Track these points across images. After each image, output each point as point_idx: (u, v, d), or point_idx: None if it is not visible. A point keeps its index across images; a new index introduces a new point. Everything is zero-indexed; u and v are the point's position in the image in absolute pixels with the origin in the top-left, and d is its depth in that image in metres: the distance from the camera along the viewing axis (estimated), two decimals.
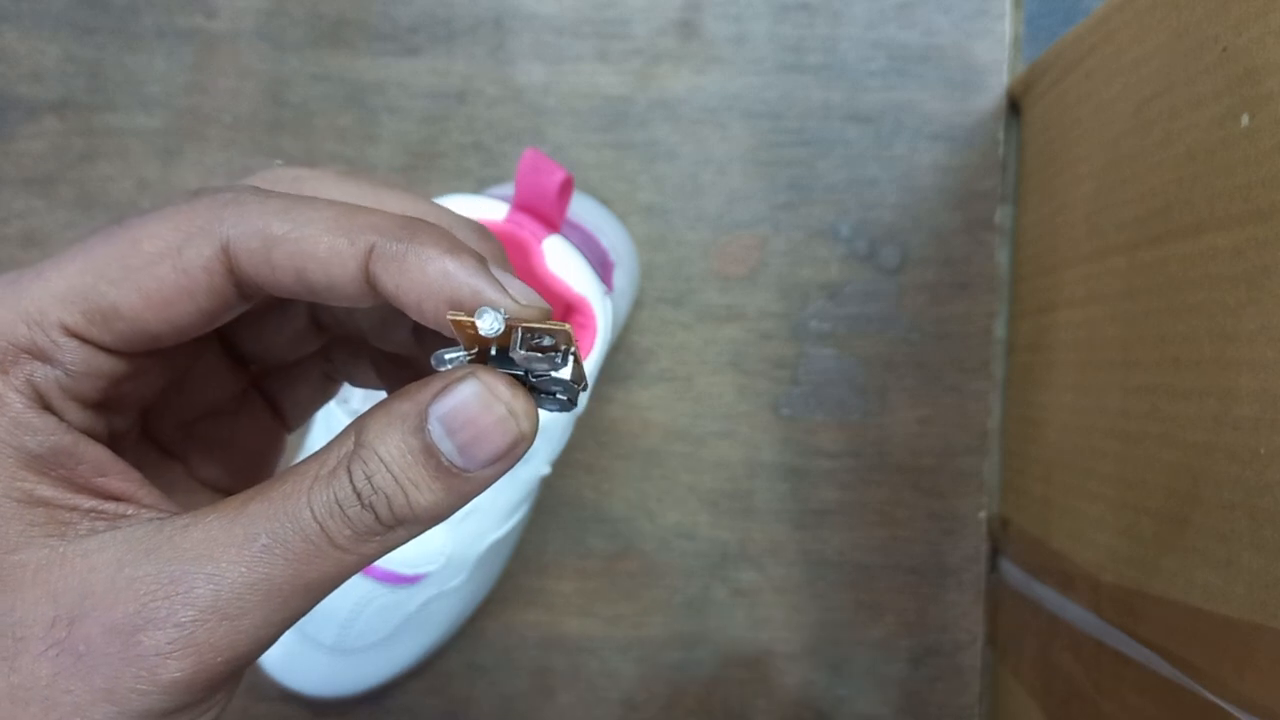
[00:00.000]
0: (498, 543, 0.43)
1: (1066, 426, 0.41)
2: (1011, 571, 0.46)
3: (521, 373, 0.20)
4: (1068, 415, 0.40)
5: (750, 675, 0.48)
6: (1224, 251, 0.29)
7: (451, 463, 0.19)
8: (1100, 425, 0.37)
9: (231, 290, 0.20)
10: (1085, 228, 0.39)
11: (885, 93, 0.48)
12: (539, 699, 0.48)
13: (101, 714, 0.18)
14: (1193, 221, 0.31)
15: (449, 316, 0.19)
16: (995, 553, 0.48)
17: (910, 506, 0.48)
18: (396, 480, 0.19)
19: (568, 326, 0.19)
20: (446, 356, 0.20)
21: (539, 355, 0.19)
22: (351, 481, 0.19)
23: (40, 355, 0.19)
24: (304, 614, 0.20)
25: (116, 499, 0.20)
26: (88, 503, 0.19)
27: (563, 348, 0.20)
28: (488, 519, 0.42)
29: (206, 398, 0.25)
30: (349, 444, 0.20)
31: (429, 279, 0.19)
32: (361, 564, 0.20)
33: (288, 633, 0.21)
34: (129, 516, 0.20)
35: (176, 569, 0.19)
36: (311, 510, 0.19)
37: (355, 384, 0.27)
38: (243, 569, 0.19)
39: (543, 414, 0.21)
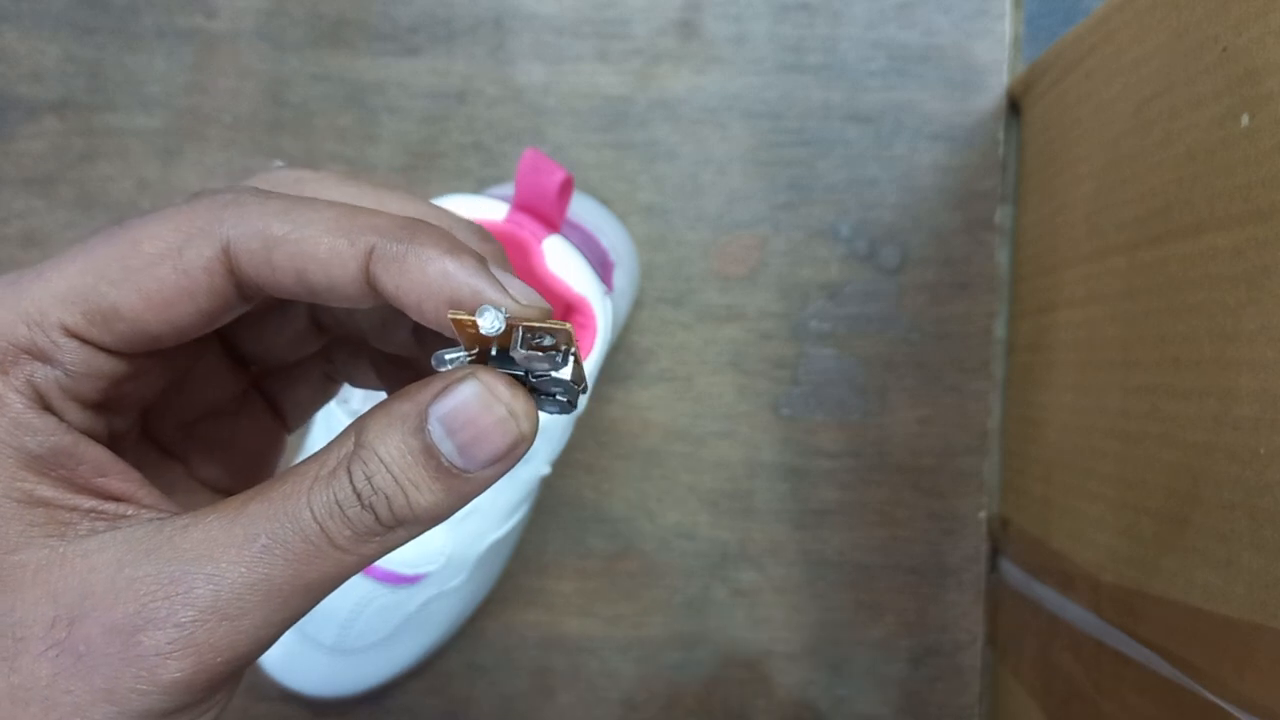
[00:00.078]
0: (498, 543, 0.43)
1: (1066, 426, 0.41)
2: (1011, 571, 0.46)
3: (522, 373, 0.20)
4: (1068, 415, 0.40)
5: (750, 675, 0.48)
6: (1224, 251, 0.29)
7: (451, 463, 0.19)
8: (1100, 425, 0.37)
9: (232, 291, 0.20)
10: (1085, 228, 0.39)
11: (885, 93, 0.48)
12: (539, 699, 0.48)
13: (101, 714, 0.18)
14: (1193, 221, 0.31)
15: (450, 315, 0.19)
16: (995, 553, 0.48)
17: (910, 506, 0.48)
18: (396, 481, 0.19)
19: (568, 326, 0.19)
20: (447, 357, 0.20)
21: (539, 354, 0.19)
22: (351, 482, 0.19)
23: (40, 355, 0.19)
24: (304, 614, 0.20)
25: (116, 499, 0.20)
26: (88, 503, 0.19)
27: (563, 348, 0.20)
28: (488, 519, 0.42)
29: (207, 398, 0.25)
30: (349, 444, 0.20)
31: (429, 279, 0.19)
32: (361, 564, 0.20)
33: (288, 633, 0.21)
34: (129, 517, 0.20)
35: (176, 569, 0.19)
36: (311, 511, 0.19)
37: (355, 385, 0.27)
38: (242, 569, 0.19)
39: (542, 415, 0.21)
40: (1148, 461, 0.33)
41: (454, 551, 0.42)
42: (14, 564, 0.19)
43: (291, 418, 0.27)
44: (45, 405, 0.19)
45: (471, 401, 0.19)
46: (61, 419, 0.20)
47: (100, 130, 0.48)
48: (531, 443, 0.20)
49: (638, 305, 0.48)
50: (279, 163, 0.48)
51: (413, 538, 0.20)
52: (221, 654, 0.19)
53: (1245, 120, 0.28)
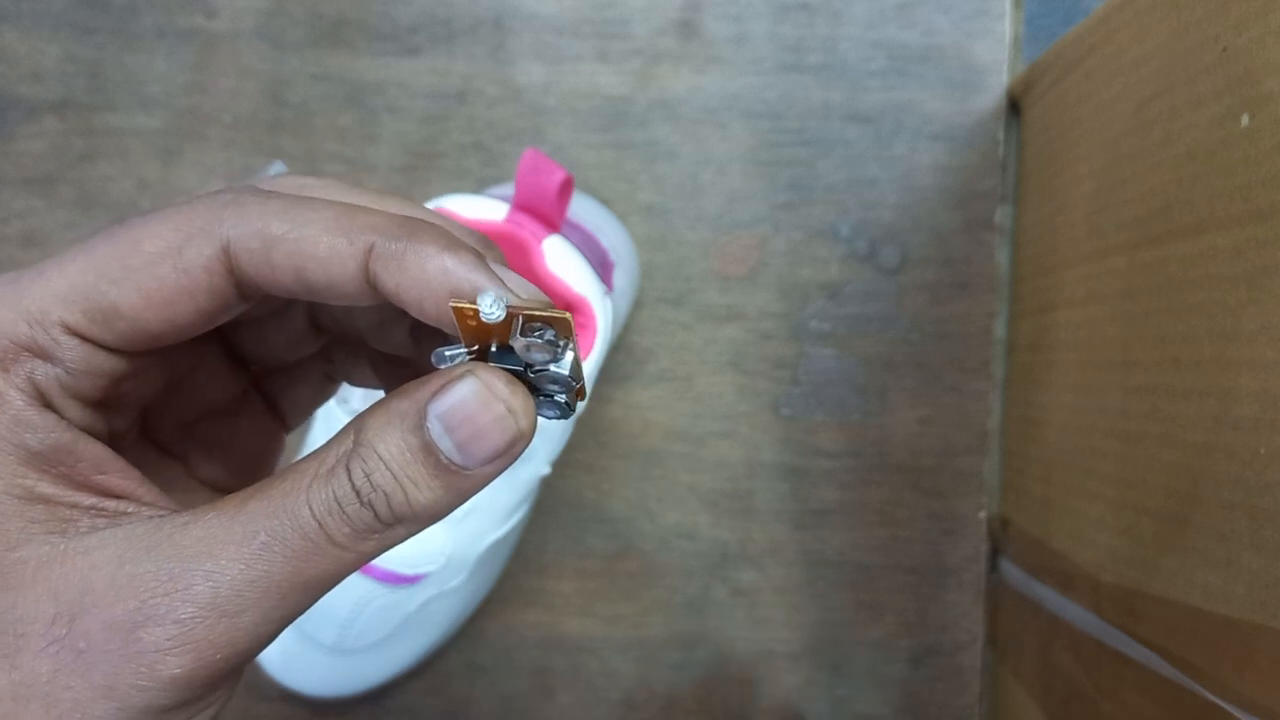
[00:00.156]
0: (498, 543, 0.43)
1: (1066, 426, 0.41)
2: (1011, 571, 0.46)
3: (521, 369, 0.20)
4: (1068, 415, 0.40)
5: (750, 675, 0.48)
6: (1224, 251, 0.29)
7: (450, 460, 0.19)
8: (1100, 425, 0.37)
9: (231, 290, 0.20)
10: (1085, 228, 0.39)
11: (885, 93, 0.48)
12: (539, 699, 0.48)
13: (102, 710, 0.18)
14: (1193, 221, 0.31)
15: (450, 304, 0.19)
16: (995, 553, 0.48)
17: (910, 506, 0.48)
18: (395, 478, 0.19)
19: (568, 315, 0.19)
20: (447, 354, 0.20)
21: (539, 343, 0.20)
22: (350, 479, 0.19)
23: (41, 353, 0.19)
24: (303, 611, 0.20)
25: (117, 496, 0.20)
26: (88, 500, 0.20)
27: (562, 341, 0.20)
28: (488, 519, 0.42)
29: (206, 398, 0.25)
30: (348, 442, 0.20)
31: (429, 276, 0.19)
32: (360, 562, 0.20)
33: (287, 632, 0.21)
34: (129, 514, 0.20)
35: (176, 566, 0.19)
36: (310, 508, 0.19)
37: (354, 384, 0.27)
38: (241, 566, 0.19)
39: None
40: (1148, 461, 0.33)
41: (454, 551, 0.42)
42: (14, 561, 0.19)
43: (291, 417, 0.27)
44: (46, 403, 0.19)
45: (470, 399, 0.19)
46: (62, 416, 0.20)
47: (100, 130, 0.48)
48: (530, 440, 0.20)
49: (638, 305, 0.48)
50: (278, 163, 0.48)
51: (411, 535, 0.20)
52: (221, 650, 0.19)
53: (1245, 120, 0.28)
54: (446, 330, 0.20)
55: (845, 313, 0.48)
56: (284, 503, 0.19)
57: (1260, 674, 0.26)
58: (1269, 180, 0.27)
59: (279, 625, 0.19)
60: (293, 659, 0.44)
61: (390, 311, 0.24)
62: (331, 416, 0.41)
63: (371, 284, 0.20)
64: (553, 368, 0.20)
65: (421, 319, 0.20)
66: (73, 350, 0.19)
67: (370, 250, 0.19)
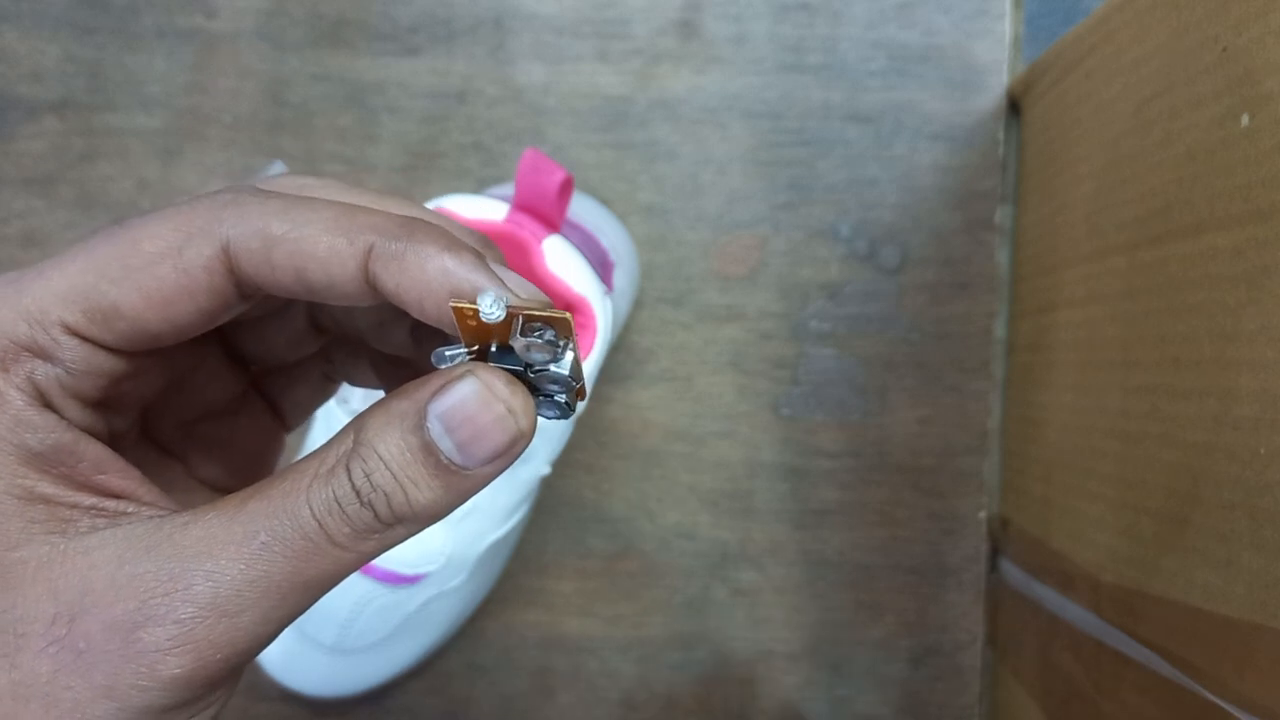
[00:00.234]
0: (498, 543, 0.43)
1: (1066, 426, 0.41)
2: (1011, 571, 0.46)
3: (521, 368, 0.20)
4: (1068, 415, 0.41)
5: (750, 675, 0.48)
6: (1224, 251, 0.29)
7: (450, 460, 0.19)
8: (1100, 425, 0.37)
9: (231, 290, 0.20)
10: (1085, 228, 0.39)
11: (885, 93, 0.48)
12: (539, 699, 0.48)
13: (102, 710, 0.18)
14: (1193, 221, 0.31)
15: (450, 303, 0.19)
16: (995, 553, 0.48)
17: (910, 506, 0.48)
18: (395, 478, 0.19)
19: (568, 315, 0.19)
20: (447, 354, 0.20)
21: (539, 343, 0.20)
22: (350, 479, 0.19)
23: (41, 353, 0.19)
24: (303, 611, 0.20)
25: (117, 496, 0.20)
26: (88, 500, 0.20)
27: (562, 341, 0.20)
28: (488, 519, 0.42)
29: (206, 398, 0.25)
30: (348, 442, 0.20)
31: (429, 276, 0.19)
32: (360, 562, 0.20)
33: (287, 633, 0.21)
34: (129, 514, 0.20)
35: (176, 566, 0.19)
36: (310, 508, 0.19)
37: (354, 384, 0.27)
38: (241, 566, 0.19)
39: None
40: (1148, 461, 0.33)
41: (454, 551, 0.42)
42: (15, 561, 0.19)
43: (290, 417, 0.27)
44: (46, 403, 0.19)
45: (470, 399, 0.19)
46: (62, 416, 0.20)
47: (100, 130, 0.48)
48: (530, 440, 0.20)
49: (638, 305, 0.48)
50: (278, 163, 0.48)
51: (411, 535, 0.20)
52: (221, 650, 0.19)
53: (1245, 120, 0.28)
54: (446, 330, 0.20)
55: (845, 313, 0.48)
56: (284, 503, 0.19)
57: (1260, 674, 0.26)
58: (1269, 180, 0.27)
59: (279, 625, 0.19)
60: (293, 659, 0.44)
61: (390, 312, 0.24)
62: (331, 417, 0.41)
63: (371, 284, 0.20)
64: (553, 368, 0.20)
65: (421, 319, 0.20)
66: (73, 350, 0.19)
67: (370, 250, 0.19)
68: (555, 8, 0.48)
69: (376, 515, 0.19)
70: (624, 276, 0.45)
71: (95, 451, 0.20)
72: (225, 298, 0.20)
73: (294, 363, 0.27)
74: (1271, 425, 0.26)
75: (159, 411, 0.24)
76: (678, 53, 0.48)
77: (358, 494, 0.19)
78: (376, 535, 0.20)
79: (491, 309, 0.19)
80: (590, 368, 0.41)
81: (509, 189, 0.41)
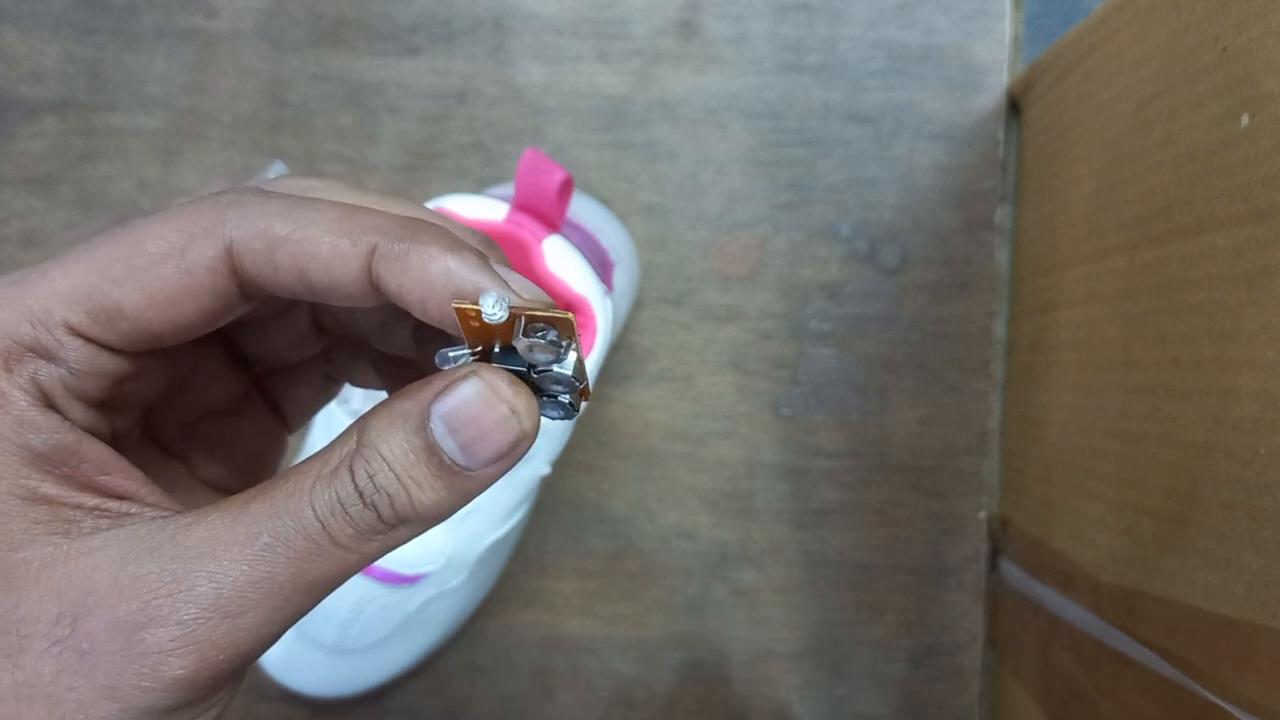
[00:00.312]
0: (498, 543, 0.43)
1: (1066, 426, 0.41)
2: (1011, 571, 0.46)
3: (524, 369, 0.20)
4: (1068, 415, 0.41)
5: (750, 675, 0.48)
6: (1224, 251, 0.29)
7: (454, 461, 0.19)
8: (1100, 425, 0.37)
9: (234, 291, 0.20)
10: (1085, 228, 0.39)
11: (885, 93, 0.48)
12: (539, 699, 0.48)
13: (105, 711, 0.18)
14: (1193, 221, 0.31)
15: (453, 305, 0.19)
16: (995, 553, 0.48)
17: (910, 506, 0.48)
18: (399, 479, 0.19)
19: (570, 316, 0.19)
20: (451, 354, 0.20)
21: (542, 343, 0.20)
22: (354, 480, 0.19)
23: (44, 354, 0.19)
24: (306, 612, 0.20)
25: (120, 497, 0.20)
26: (91, 500, 0.20)
27: (565, 341, 0.20)
28: (488, 519, 0.42)
29: (209, 398, 0.25)
30: (351, 443, 0.20)
31: (432, 277, 0.19)
32: (363, 563, 0.20)
33: (288, 633, 0.21)
34: (132, 515, 0.20)
35: (179, 567, 0.19)
36: (314, 509, 0.19)
37: (356, 384, 0.27)
38: (244, 567, 0.19)
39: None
40: (1148, 461, 0.33)
41: (454, 551, 0.42)
42: (18, 561, 0.19)
43: (293, 418, 0.27)
44: (49, 403, 0.19)
45: (473, 399, 0.19)
46: (65, 417, 0.20)
47: (100, 130, 0.48)
48: (533, 440, 0.20)
49: (638, 305, 0.48)
50: (278, 163, 0.48)
51: (415, 536, 0.20)
52: (223, 651, 0.19)
53: (1245, 120, 0.28)
54: (449, 331, 0.20)
55: (845, 313, 0.48)
56: (287, 504, 0.19)
57: (1260, 674, 0.26)
58: (1269, 180, 0.27)
59: (282, 626, 0.19)
60: (293, 659, 0.44)
61: (393, 312, 0.24)
62: (331, 418, 0.41)
63: (374, 285, 0.20)
64: (556, 368, 0.20)
65: (424, 320, 0.20)
66: (76, 351, 0.19)
67: (373, 251, 0.19)
68: (555, 8, 0.48)
69: (380, 516, 0.19)
70: (624, 276, 0.45)
71: (98, 452, 0.20)
72: (228, 298, 0.20)
73: (296, 363, 0.27)
74: (1271, 425, 0.26)
75: (161, 412, 0.24)
76: (678, 53, 0.48)
77: (361, 495, 0.19)
78: (380, 536, 0.20)
79: (494, 310, 0.19)
80: (590, 367, 0.41)
81: (509, 189, 0.41)
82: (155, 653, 0.18)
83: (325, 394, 0.28)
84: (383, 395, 0.27)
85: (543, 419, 0.21)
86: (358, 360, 0.27)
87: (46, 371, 0.19)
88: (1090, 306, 0.39)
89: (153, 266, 0.19)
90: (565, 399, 0.21)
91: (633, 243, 0.47)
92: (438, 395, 0.19)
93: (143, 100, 0.48)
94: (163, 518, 0.20)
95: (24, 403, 0.19)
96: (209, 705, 0.20)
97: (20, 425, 0.19)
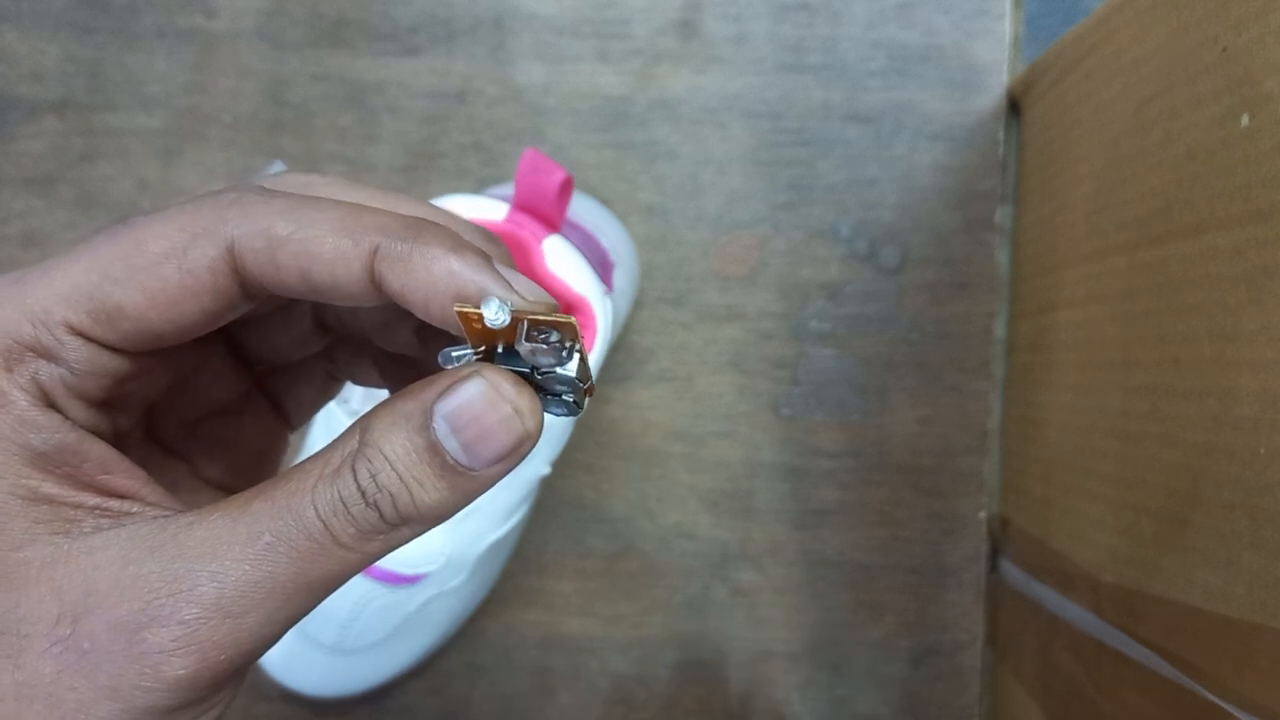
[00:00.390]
0: (498, 543, 0.43)
1: (1066, 426, 0.41)
2: (1011, 571, 0.46)
3: (527, 370, 0.20)
4: (1068, 415, 0.41)
5: (750, 675, 0.48)
6: (1224, 251, 0.29)
7: (456, 461, 0.19)
8: (1100, 425, 0.37)
9: (236, 290, 0.20)
10: (1085, 228, 0.39)
11: (885, 93, 0.48)
12: (539, 699, 0.48)
13: (105, 711, 0.18)
14: (1193, 221, 0.31)
15: (455, 308, 0.19)
16: (995, 553, 0.48)
17: (910, 506, 0.48)
18: (401, 478, 0.19)
19: (573, 320, 0.19)
20: (454, 354, 0.20)
21: (544, 348, 0.20)
22: (356, 480, 0.19)
23: (45, 353, 0.19)
24: (307, 612, 0.20)
25: (121, 497, 0.20)
26: (92, 500, 0.20)
27: (568, 343, 0.20)
28: (488, 519, 0.42)
29: (210, 397, 0.25)
30: (353, 443, 0.20)
31: (434, 277, 0.19)
32: (365, 562, 0.20)
33: (288, 633, 0.21)
34: (133, 514, 0.20)
35: (180, 567, 0.19)
36: (315, 508, 0.19)
37: (359, 383, 0.27)
38: (246, 567, 0.19)
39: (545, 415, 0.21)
40: (1148, 461, 0.33)
41: (454, 551, 0.42)
42: (19, 561, 0.19)
43: (295, 416, 0.27)
44: (50, 403, 0.19)
45: (476, 399, 0.19)
46: (66, 416, 0.20)
47: (100, 130, 0.48)
48: (536, 441, 0.20)
49: (638, 305, 0.48)
50: (278, 163, 0.48)
51: (417, 536, 0.20)
52: (225, 651, 0.19)
53: (1245, 120, 0.28)
54: (452, 331, 0.20)
55: (845, 313, 0.48)
56: (289, 503, 0.19)
57: (1260, 674, 0.26)
58: (1269, 180, 0.27)
59: (283, 626, 0.19)
60: (293, 659, 0.44)
61: (395, 312, 0.24)
62: (331, 417, 0.41)
63: (377, 285, 0.20)
64: (559, 370, 0.20)
65: (427, 320, 0.20)
66: (77, 350, 0.19)
67: (375, 251, 0.19)
68: (555, 8, 0.48)
69: (382, 516, 0.19)
70: (624, 276, 0.45)
71: (99, 451, 0.20)
72: (229, 298, 0.20)
73: (298, 362, 0.27)
74: (1271, 425, 0.26)
75: (163, 411, 0.24)
76: (678, 53, 0.48)
77: (363, 494, 0.19)
78: (382, 536, 0.20)
79: (496, 316, 0.19)
80: (591, 368, 0.41)
81: (509, 189, 0.41)
82: (156, 653, 0.18)
83: (327, 392, 0.28)
84: (384, 394, 0.27)
85: (546, 416, 0.21)
86: (360, 359, 0.27)
87: (47, 371, 0.19)
88: (1090, 306, 0.39)
89: (154, 266, 0.19)
90: (569, 398, 0.21)
91: (633, 243, 0.47)
92: (441, 395, 0.19)
93: (143, 100, 0.48)
94: (164, 517, 0.20)
95: (25, 402, 0.19)
96: (210, 705, 0.20)
97: (21, 425, 0.19)
